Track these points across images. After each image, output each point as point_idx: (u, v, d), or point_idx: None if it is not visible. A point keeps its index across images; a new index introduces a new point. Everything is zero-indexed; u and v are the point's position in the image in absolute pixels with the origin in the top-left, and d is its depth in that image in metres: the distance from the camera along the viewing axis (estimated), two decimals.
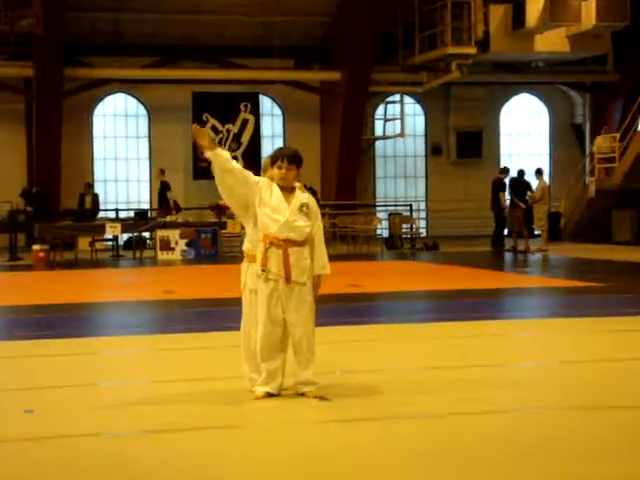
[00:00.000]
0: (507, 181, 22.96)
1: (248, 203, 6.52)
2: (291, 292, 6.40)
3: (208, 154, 6.43)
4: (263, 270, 6.40)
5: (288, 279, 6.38)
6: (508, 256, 21.53)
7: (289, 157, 6.48)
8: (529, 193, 22.24)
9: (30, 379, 7.37)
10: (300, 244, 6.44)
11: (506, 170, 23.33)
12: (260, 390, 6.43)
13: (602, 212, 24.53)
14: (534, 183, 22.71)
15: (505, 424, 5.78)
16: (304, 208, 6.47)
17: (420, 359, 8.04)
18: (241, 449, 5.31)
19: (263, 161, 6.94)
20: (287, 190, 6.49)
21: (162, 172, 24.76)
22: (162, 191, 24.60)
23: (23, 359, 8.35)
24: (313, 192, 24.58)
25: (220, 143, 26.49)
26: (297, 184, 6.59)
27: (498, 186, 22.80)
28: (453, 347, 8.69)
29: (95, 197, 25.15)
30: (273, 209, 6.41)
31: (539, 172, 22.60)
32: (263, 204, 6.42)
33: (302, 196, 6.54)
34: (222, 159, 6.40)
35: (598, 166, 25.47)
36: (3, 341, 9.63)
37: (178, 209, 24.39)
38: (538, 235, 22.97)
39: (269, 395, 6.41)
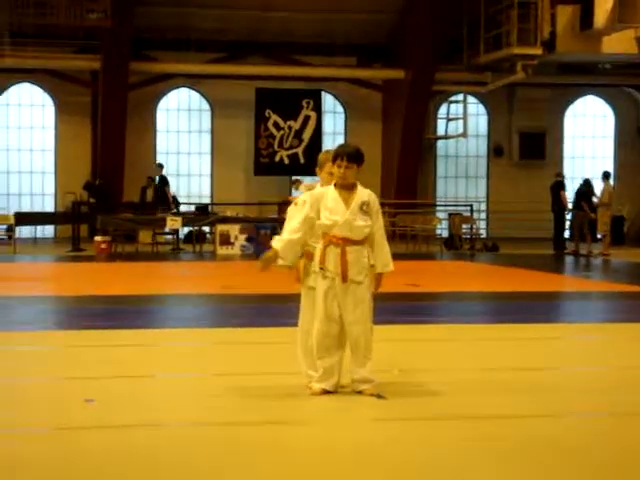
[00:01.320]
0: (567, 184, 22.90)
1: None
2: (347, 290, 6.40)
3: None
4: (321, 268, 6.43)
5: (344, 278, 6.39)
6: (570, 259, 21.30)
7: (349, 155, 6.45)
8: (595, 199, 22.01)
9: (91, 369, 7.47)
10: (359, 243, 6.43)
11: (561, 174, 23.31)
12: (317, 387, 6.45)
13: None
14: (598, 186, 22.48)
15: (558, 429, 5.72)
16: (364, 207, 6.45)
17: (478, 360, 7.99)
18: (295, 444, 5.33)
19: (319, 156, 6.93)
20: (347, 188, 6.48)
21: (160, 167, 24.53)
22: (161, 186, 24.38)
23: (84, 349, 8.47)
24: None
25: (282, 139, 26.63)
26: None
27: (558, 186, 22.65)
28: (511, 349, 8.63)
29: (157, 190, 25.34)
30: (331, 210, 6.42)
31: (606, 176, 22.29)
32: (323, 208, 6.45)
33: (363, 193, 6.50)
34: (294, 253, 6.48)
35: None
36: (65, 330, 9.79)
37: (177, 204, 24.41)
38: (600, 239, 22.70)
39: (325, 392, 6.42)
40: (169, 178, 25.01)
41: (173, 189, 27.41)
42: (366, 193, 6.51)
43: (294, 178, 23.63)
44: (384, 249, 6.50)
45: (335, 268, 6.39)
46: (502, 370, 7.52)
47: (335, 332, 6.43)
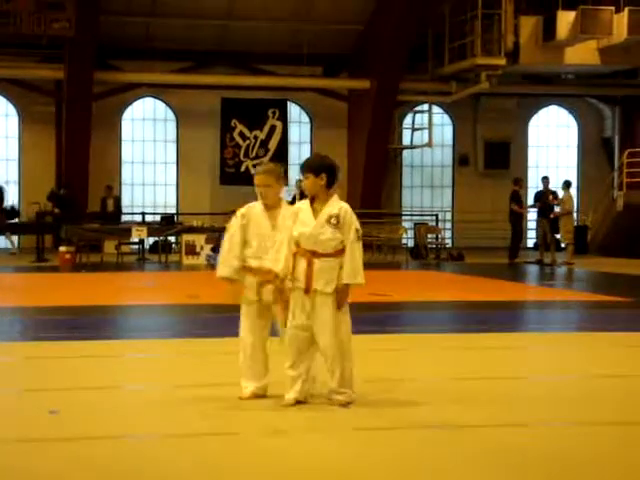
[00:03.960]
0: (529, 191, 23.12)
1: None
2: (313, 301, 6.40)
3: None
4: (291, 278, 6.43)
5: (307, 289, 6.39)
6: (534, 269, 21.43)
7: (303, 166, 6.58)
8: (556, 208, 22.16)
9: (55, 380, 7.41)
10: (329, 255, 6.41)
11: (517, 181, 23.39)
12: (289, 397, 6.46)
13: (630, 226, 24.38)
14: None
15: (527, 438, 5.74)
16: (332, 220, 6.43)
17: (445, 369, 8.02)
18: (262, 455, 5.32)
19: None
20: (320, 200, 6.49)
21: None
22: None
23: (48, 360, 8.40)
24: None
25: (247, 149, 26.62)
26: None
27: (511, 198, 22.91)
28: (478, 358, 8.66)
29: (117, 200, 25.29)
30: (302, 222, 6.45)
31: (567, 185, 22.44)
32: (299, 220, 6.49)
33: (334, 206, 6.47)
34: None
35: (626, 180, 25.33)
36: (29, 342, 9.70)
37: (13, 215, 24.11)
38: (564, 248, 22.87)
39: (297, 402, 6.44)
40: (124, 188, 24.84)
41: (138, 199, 27.35)
42: (337, 207, 6.47)
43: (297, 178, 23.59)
44: (352, 260, 6.37)
45: (302, 279, 6.39)
46: (469, 379, 7.55)
47: (304, 341, 6.42)
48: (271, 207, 6.68)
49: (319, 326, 6.39)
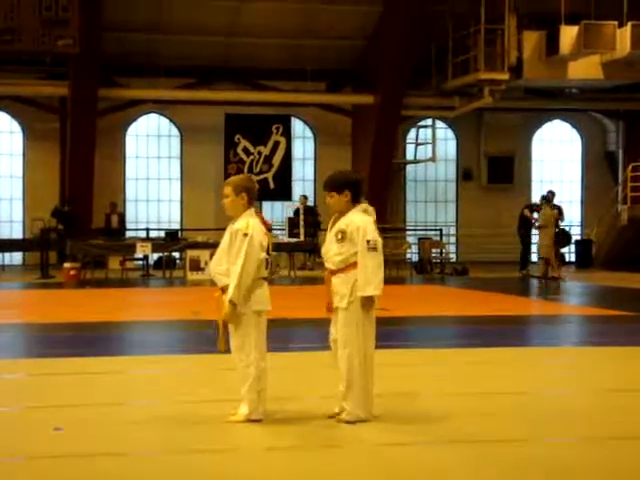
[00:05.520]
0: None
1: None
2: (336, 316, 6.46)
3: None
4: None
5: (329, 307, 6.46)
6: (537, 283, 21.40)
7: (325, 185, 6.56)
8: (535, 222, 22.36)
9: (59, 397, 7.41)
10: (340, 271, 6.42)
11: (533, 205, 23.66)
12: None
13: (634, 240, 24.35)
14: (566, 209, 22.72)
15: (536, 453, 5.73)
16: (339, 235, 6.43)
17: (450, 384, 8.00)
18: (262, 471, 5.31)
19: None
20: (337, 217, 6.54)
21: None
22: None
23: (52, 377, 8.39)
24: (314, 212, 24.67)
25: (251, 165, 26.67)
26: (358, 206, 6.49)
27: (525, 207, 23.06)
28: (483, 373, 8.64)
29: (121, 216, 25.33)
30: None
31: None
32: None
33: (343, 221, 6.45)
34: None
35: (630, 194, 25.32)
36: (33, 358, 9.70)
37: None
38: (568, 262, 22.85)
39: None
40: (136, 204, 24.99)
41: (142, 215, 27.39)
42: (346, 221, 6.42)
43: (301, 194, 25.60)
44: (363, 272, 6.32)
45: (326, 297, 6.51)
46: (473, 394, 7.53)
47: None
48: (231, 219, 6.59)
49: (339, 340, 6.44)
